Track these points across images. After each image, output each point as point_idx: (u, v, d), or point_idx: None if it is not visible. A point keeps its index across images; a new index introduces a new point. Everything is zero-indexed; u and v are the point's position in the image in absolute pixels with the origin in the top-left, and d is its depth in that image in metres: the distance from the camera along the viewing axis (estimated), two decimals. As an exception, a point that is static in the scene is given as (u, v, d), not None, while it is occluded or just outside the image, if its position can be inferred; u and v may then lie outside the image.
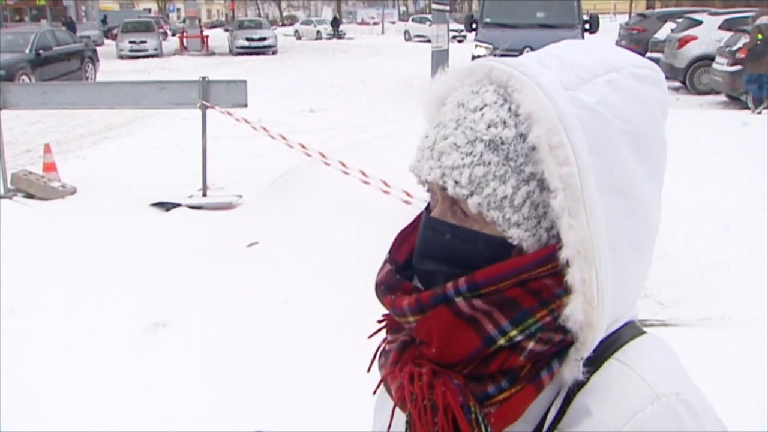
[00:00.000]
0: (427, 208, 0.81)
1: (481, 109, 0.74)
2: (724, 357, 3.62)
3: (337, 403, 3.21)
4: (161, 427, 3.17)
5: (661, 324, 4.06)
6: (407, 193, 5.09)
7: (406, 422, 0.75)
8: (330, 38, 42.86)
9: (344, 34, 45.07)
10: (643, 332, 0.80)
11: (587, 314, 0.70)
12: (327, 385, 3.43)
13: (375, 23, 50.68)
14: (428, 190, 0.81)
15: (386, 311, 0.86)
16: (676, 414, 0.71)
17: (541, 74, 0.73)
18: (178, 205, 6.72)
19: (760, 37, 11.58)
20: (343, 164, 6.05)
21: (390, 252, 0.86)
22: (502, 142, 0.72)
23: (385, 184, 5.47)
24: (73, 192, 7.37)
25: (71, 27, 30.24)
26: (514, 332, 0.71)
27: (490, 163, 0.72)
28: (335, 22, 48.25)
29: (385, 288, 0.81)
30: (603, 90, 0.73)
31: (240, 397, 3.39)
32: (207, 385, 3.58)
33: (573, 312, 0.71)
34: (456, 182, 0.73)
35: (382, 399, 0.94)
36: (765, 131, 7.96)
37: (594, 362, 0.74)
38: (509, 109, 0.73)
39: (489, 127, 0.73)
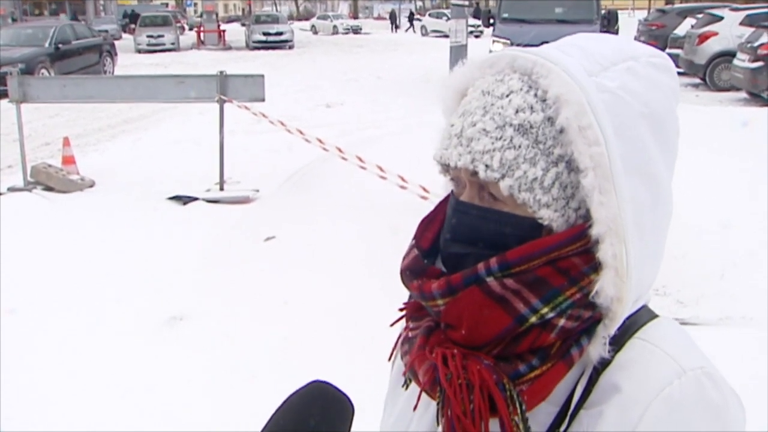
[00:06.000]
0: (453, 195, 0.82)
1: (507, 96, 0.76)
2: (744, 357, 3.57)
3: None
4: (163, 426, 3.15)
5: (680, 323, 4.02)
6: (424, 189, 5.08)
7: (438, 404, 0.75)
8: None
9: (360, 29, 44.90)
10: (657, 315, 0.83)
11: (618, 288, 0.73)
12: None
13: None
14: (452, 179, 0.82)
15: (407, 299, 0.87)
16: (702, 387, 0.73)
17: (565, 60, 0.75)
18: (195, 198, 6.75)
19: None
20: (361, 159, 6.04)
21: (415, 238, 0.87)
22: (531, 126, 0.74)
23: (402, 179, 5.46)
24: (92, 185, 7.43)
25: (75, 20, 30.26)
26: (545, 310, 0.73)
27: (520, 147, 0.74)
28: (411, 17, 46.18)
29: (411, 273, 0.82)
30: (623, 76, 0.76)
31: (243, 396, 3.39)
32: (213, 383, 3.55)
33: (605, 286, 0.73)
34: (487, 166, 0.74)
35: (394, 392, 0.95)
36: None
37: (617, 342, 0.77)
38: (535, 94, 0.75)
39: (517, 111, 0.75)
